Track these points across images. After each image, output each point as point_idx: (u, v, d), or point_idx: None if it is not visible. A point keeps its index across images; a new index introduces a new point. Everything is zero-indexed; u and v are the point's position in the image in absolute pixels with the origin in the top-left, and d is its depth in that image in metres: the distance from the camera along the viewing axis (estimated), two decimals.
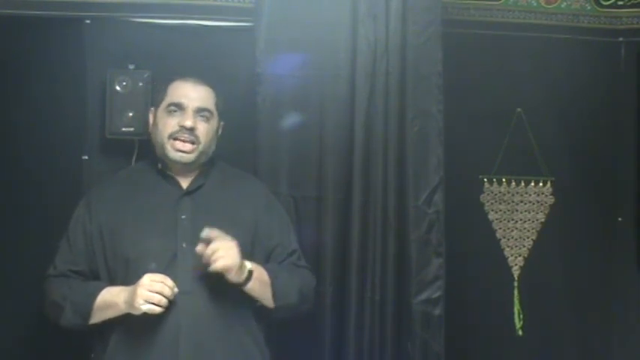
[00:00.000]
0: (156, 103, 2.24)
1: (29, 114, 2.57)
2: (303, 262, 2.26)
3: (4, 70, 2.54)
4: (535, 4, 2.99)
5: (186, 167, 2.18)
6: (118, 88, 2.50)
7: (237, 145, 2.56)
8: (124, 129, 2.50)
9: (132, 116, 2.48)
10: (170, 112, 2.17)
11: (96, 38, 2.59)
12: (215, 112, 2.22)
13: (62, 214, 2.23)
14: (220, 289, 2.05)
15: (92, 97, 2.57)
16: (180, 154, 2.14)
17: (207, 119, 2.19)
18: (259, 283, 2.07)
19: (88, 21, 2.58)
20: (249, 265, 2.04)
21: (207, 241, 1.97)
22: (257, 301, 2.11)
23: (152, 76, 2.51)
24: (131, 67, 2.54)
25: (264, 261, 2.18)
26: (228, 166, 2.32)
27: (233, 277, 2.00)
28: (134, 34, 2.62)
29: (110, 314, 2.04)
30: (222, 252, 1.96)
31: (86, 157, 2.59)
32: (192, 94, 2.18)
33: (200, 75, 2.26)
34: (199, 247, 1.98)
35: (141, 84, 2.50)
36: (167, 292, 1.94)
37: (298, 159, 2.58)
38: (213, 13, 2.67)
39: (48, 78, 2.56)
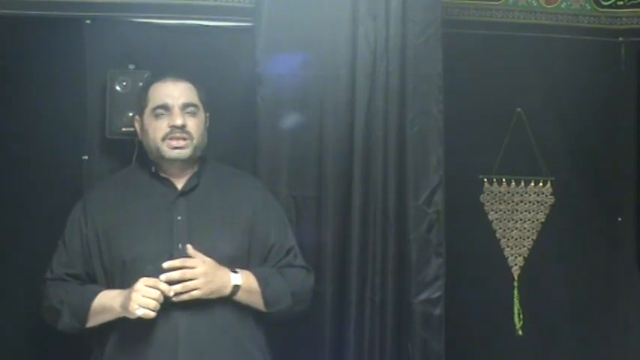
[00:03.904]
0: (139, 110, 2.22)
1: (29, 114, 2.57)
2: (299, 261, 2.24)
3: (4, 70, 2.54)
4: (535, 4, 2.99)
5: (181, 165, 2.17)
6: (118, 88, 2.51)
7: (237, 145, 2.57)
8: (124, 129, 2.50)
9: (132, 116, 2.48)
10: (157, 116, 2.15)
11: (96, 38, 2.59)
12: (200, 105, 2.20)
13: (62, 214, 2.23)
14: None
15: (92, 97, 2.57)
16: (177, 150, 2.13)
17: (194, 113, 2.17)
18: (248, 294, 2.07)
19: (88, 21, 2.58)
20: (235, 279, 2.04)
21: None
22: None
23: (152, 76, 2.50)
24: (131, 67, 2.55)
25: (262, 260, 2.18)
26: (221, 165, 2.31)
27: (215, 296, 2.02)
28: (134, 34, 2.62)
29: (107, 318, 2.03)
30: (196, 283, 1.98)
31: (86, 157, 2.59)
32: (174, 92, 2.16)
33: (183, 73, 2.23)
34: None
35: (141, 84, 2.49)
36: (161, 298, 1.94)
37: (298, 159, 2.58)
38: (213, 13, 2.67)
39: (48, 78, 2.56)
